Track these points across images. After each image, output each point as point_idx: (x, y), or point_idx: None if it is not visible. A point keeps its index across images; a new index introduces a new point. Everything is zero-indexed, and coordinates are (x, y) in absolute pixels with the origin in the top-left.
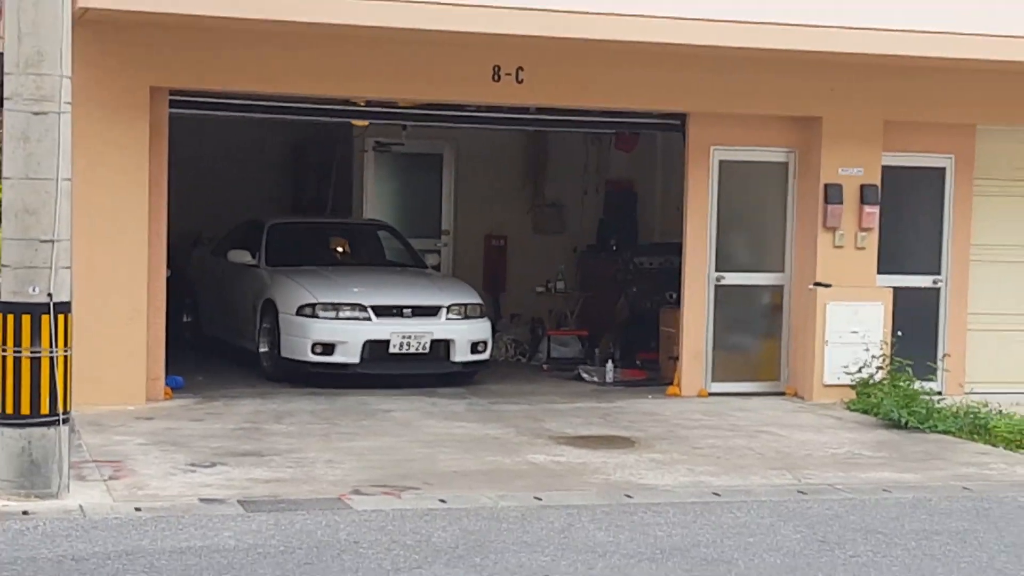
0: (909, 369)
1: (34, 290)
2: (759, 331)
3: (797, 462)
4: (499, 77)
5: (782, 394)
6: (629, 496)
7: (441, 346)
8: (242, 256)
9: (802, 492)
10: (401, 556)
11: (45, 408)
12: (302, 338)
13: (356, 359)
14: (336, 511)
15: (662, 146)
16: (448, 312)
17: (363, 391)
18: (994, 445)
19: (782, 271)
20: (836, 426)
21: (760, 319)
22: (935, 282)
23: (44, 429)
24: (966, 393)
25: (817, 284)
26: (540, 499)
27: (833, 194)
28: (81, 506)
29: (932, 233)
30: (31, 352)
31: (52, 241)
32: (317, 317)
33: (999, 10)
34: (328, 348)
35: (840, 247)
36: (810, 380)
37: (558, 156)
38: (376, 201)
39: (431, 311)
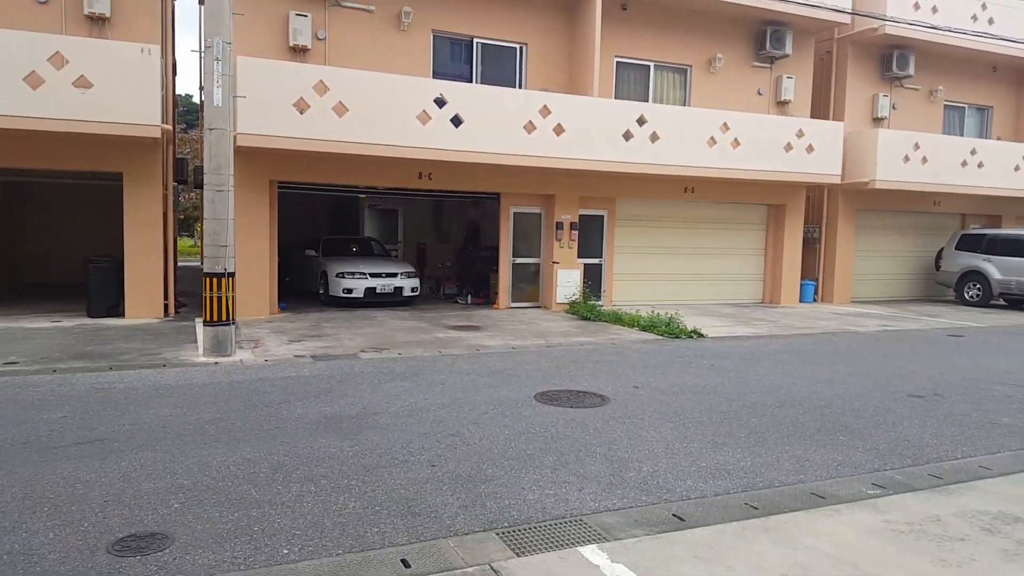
0: (591, 295)
1: (219, 267)
2: (530, 281)
3: (545, 334)
4: (422, 176)
5: (540, 307)
6: (478, 351)
7: (398, 289)
8: (311, 252)
9: (548, 346)
10: (383, 376)
11: (224, 317)
12: (337, 286)
13: (362, 295)
14: (354, 360)
15: (489, 206)
16: (400, 275)
17: (365, 309)
18: (623, 326)
19: (539, 257)
20: (561, 320)
21: (531, 276)
22: (600, 261)
23: (223, 327)
24: (613, 305)
25: (554, 262)
26: (441, 352)
27: (559, 226)
28: (241, 360)
29: (598, 241)
30: (218, 294)
31: (226, 245)
32: (344, 277)
33: (626, 150)
34: (349, 291)
35: (562, 248)
36: (551, 301)
37: (447, 210)
38: (369, 229)
39: (393, 275)
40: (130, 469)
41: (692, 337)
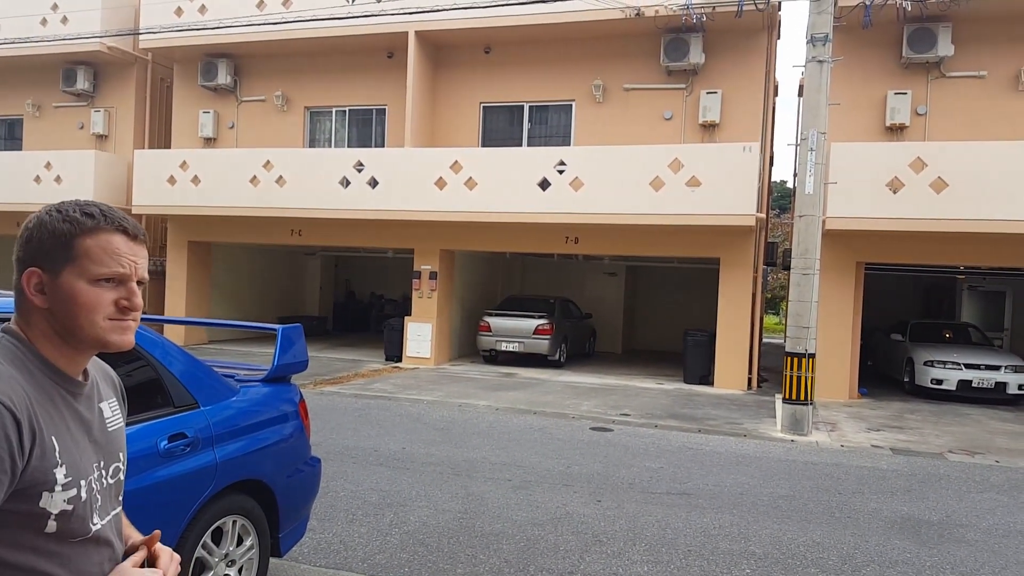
0: None
1: (800, 347)
2: None
3: None
4: None
5: None
6: None
7: (1000, 385)
8: (896, 336)
9: None
10: (973, 485)
11: (802, 397)
12: (925, 375)
13: (953, 388)
14: (939, 459)
15: None
16: (1004, 368)
17: (956, 404)
18: None
19: None
20: None
21: None
22: None
23: (801, 406)
24: None
25: None
26: None
27: None
28: (816, 441)
29: None
30: (798, 373)
31: (808, 327)
32: (933, 366)
33: None
34: (938, 381)
35: None
36: None
37: None
38: (967, 313)
39: (995, 368)
40: (710, 526)
41: None
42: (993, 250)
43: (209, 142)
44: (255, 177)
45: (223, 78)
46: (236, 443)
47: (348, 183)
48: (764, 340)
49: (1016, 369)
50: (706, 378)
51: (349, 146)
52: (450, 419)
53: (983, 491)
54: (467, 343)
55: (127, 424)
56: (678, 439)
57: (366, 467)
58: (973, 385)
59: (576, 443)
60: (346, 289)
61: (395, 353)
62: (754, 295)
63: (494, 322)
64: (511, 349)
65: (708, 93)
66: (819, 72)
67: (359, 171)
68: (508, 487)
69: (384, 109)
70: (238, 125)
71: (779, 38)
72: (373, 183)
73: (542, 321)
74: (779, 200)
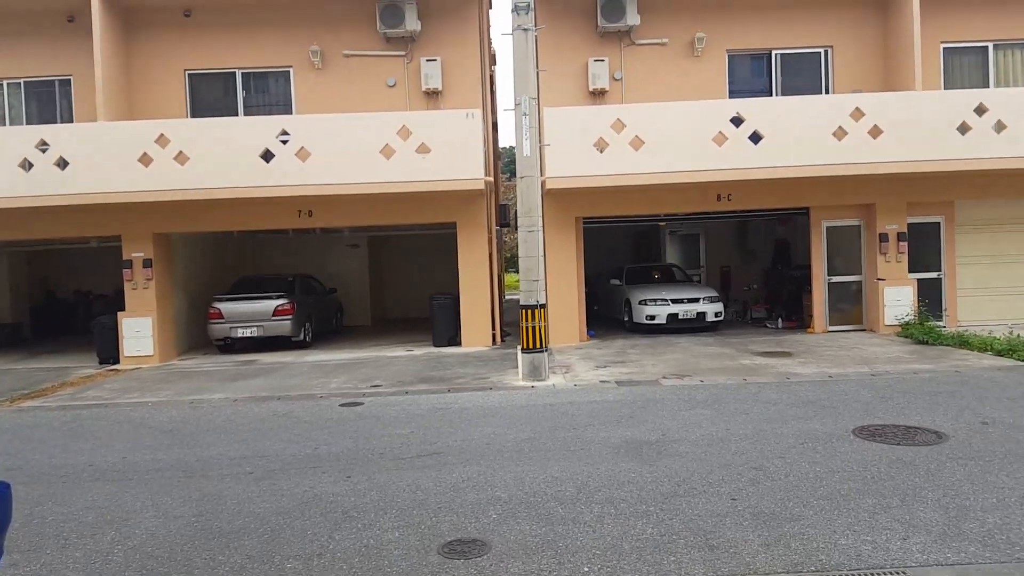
0: (928, 316)
1: (532, 300)
2: (851, 302)
3: (869, 360)
4: (720, 198)
5: (864, 330)
6: (788, 379)
7: (701, 315)
8: (615, 281)
9: (872, 375)
10: (683, 404)
11: (538, 345)
12: (640, 313)
13: (664, 322)
14: (656, 386)
15: (798, 221)
16: (703, 300)
17: (668, 335)
18: (971, 350)
19: (860, 274)
20: (889, 344)
21: (851, 296)
22: (938, 275)
23: (538, 354)
24: (958, 326)
25: (879, 279)
26: (746, 380)
27: (883, 238)
28: (553, 384)
29: (934, 252)
30: (533, 324)
31: (539, 280)
32: (647, 304)
33: (963, 146)
34: (652, 317)
35: (888, 262)
36: (877, 323)
37: (752, 230)
38: (671, 255)
39: (695, 300)
40: (459, 480)
41: None
42: (683, 198)
43: None
44: None
45: None
46: None
47: (31, 165)
48: (507, 297)
49: (712, 300)
50: (454, 339)
51: (28, 123)
52: (180, 418)
53: (692, 408)
54: (199, 334)
55: None
56: (428, 401)
57: (79, 485)
58: (680, 317)
59: (324, 423)
60: (44, 289)
61: (111, 355)
62: (491, 255)
63: (226, 307)
64: (249, 335)
65: (428, 61)
66: (525, 40)
67: (43, 151)
68: (249, 480)
69: (69, 80)
70: None
71: (491, 7)
72: (62, 164)
73: (281, 301)
74: (509, 165)
